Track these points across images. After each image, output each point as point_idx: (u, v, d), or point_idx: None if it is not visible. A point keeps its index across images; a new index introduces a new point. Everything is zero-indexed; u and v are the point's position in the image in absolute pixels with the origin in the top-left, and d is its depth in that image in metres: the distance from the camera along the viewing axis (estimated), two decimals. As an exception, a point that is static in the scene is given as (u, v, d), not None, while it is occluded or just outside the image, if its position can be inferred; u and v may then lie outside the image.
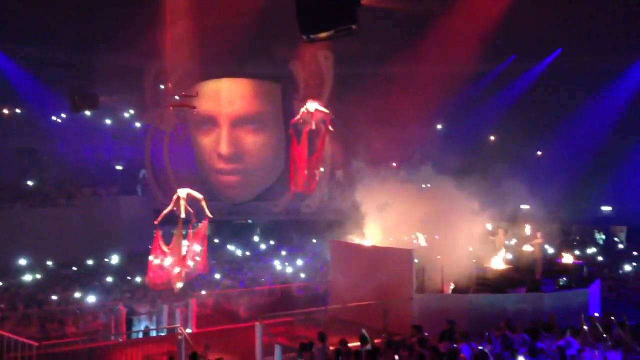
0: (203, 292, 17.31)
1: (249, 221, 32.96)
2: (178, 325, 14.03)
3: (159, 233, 14.84)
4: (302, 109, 16.66)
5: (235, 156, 30.06)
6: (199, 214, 15.38)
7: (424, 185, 18.09)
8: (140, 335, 15.12)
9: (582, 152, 27.63)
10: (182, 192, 14.98)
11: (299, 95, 31.02)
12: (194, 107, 19.54)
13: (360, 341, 11.48)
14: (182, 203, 14.77)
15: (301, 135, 17.24)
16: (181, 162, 30.99)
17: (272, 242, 29.60)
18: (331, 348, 11.21)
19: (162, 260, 14.57)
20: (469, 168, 17.62)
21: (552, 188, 24.44)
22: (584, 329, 12.20)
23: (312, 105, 16.53)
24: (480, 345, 11.05)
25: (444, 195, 16.65)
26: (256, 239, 31.19)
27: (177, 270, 14.48)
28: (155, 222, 14.95)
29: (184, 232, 15.31)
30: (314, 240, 27.16)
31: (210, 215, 15.46)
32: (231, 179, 30.72)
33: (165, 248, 14.65)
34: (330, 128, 16.86)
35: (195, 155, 31.18)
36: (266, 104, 30.52)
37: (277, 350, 12.01)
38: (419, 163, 18.56)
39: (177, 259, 14.54)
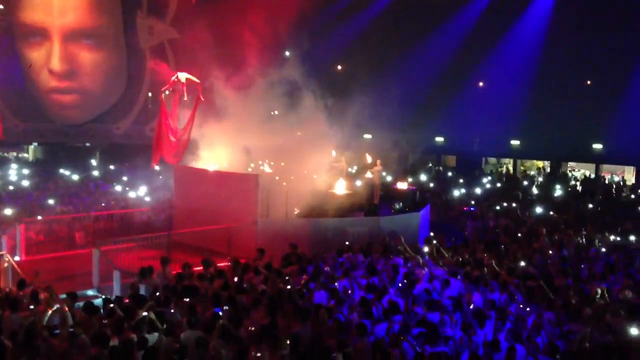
0: (34, 218, 16.10)
1: (87, 144, 31.02)
2: (4, 252, 13.00)
3: None
4: (173, 78, 16.32)
5: (69, 73, 27.77)
6: None
7: (272, 113, 18.07)
8: (-40, 264, 13.82)
9: (420, 84, 29.05)
10: None
11: (143, 12, 29.09)
12: None
13: (203, 265, 11.44)
14: None
15: (170, 103, 16.68)
16: (6, 78, 27.97)
17: (112, 167, 28.15)
18: (173, 273, 11.07)
19: None
20: (316, 96, 17.86)
21: (393, 118, 25.57)
22: (415, 248, 13.21)
23: (182, 75, 16.26)
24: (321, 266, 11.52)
25: (290, 123, 16.79)
26: (94, 163, 29.47)
27: None
28: None
29: None
30: (157, 167, 26.20)
31: None
32: (66, 98, 28.44)
33: None
34: (201, 98, 16.41)
35: (23, 71, 28.29)
36: (105, 17, 28.25)
37: (116, 275, 11.63)
38: (266, 90, 18.43)
39: None
